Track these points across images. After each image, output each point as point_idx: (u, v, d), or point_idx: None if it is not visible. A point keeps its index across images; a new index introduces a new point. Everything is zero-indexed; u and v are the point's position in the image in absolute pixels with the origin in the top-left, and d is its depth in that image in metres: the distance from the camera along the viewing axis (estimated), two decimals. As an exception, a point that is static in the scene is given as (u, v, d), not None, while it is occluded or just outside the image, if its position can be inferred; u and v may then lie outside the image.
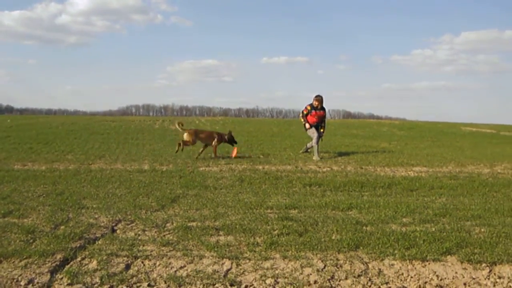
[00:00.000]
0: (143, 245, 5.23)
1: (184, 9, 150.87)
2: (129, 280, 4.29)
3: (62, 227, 5.85)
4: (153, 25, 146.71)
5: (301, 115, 14.40)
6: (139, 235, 5.64)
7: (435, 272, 4.74)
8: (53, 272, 4.43)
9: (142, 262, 4.73)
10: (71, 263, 4.66)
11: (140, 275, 4.41)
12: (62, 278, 4.31)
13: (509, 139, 26.81)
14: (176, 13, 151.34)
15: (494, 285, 4.52)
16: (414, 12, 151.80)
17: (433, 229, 6.12)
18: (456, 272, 4.77)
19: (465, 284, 4.52)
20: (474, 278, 4.65)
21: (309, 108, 14.21)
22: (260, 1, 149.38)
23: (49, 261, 4.67)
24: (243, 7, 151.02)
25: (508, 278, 4.68)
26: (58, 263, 4.64)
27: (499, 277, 4.69)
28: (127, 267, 4.61)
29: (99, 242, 5.30)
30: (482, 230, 6.18)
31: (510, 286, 4.52)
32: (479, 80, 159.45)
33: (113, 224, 6.08)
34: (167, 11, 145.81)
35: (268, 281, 4.38)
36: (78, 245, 5.16)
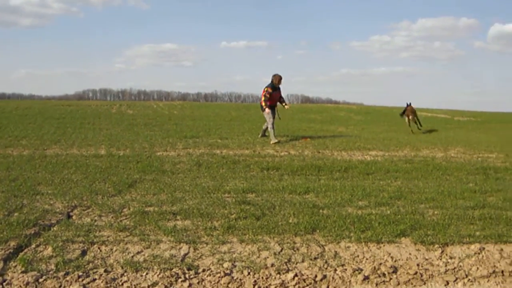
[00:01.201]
0: (100, 231, 5.18)
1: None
2: (85, 266, 4.24)
3: (16, 213, 5.72)
4: (111, 8, 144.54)
5: (263, 99, 14.00)
6: (95, 220, 5.58)
7: (389, 254, 4.84)
8: (6, 259, 4.35)
9: (99, 248, 4.69)
10: (25, 250, 4.58)
11: (96, 261, 4.37)
12: (16, 265, 4.24)
13: (462, 124, 27.43)
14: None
15: (446, 265, 4.64)
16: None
17: (388, 212, 6.24)
18: (410, 254, 4.88)
19: (418, 265, 4.62)
20: (427, 259, 4.76)
21: (270, 90, 13.99)
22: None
23: (2, 249, 4.57)
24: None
25: (459, 258, 4.81)
26: (11, 250, 4.55)
27: (451, 258, 4.82)
28: (83, 253, 4.55)
29: (55, 228, 5.22)
30: (435, 212, 6.34)
31: (461, 266, 4.65)
32: (435, 66, 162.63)
33: (69, 210, 5.99)
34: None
35: (225, 265, 4.40)
36: (33, 232, 5.07)
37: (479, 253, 4.96)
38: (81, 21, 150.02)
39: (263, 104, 13.98)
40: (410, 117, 20.75)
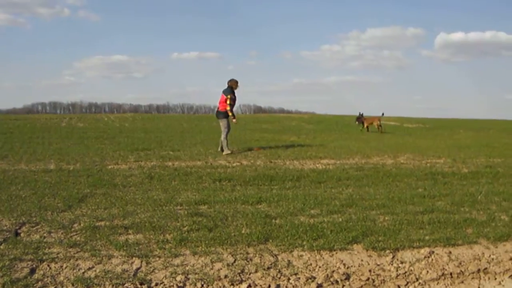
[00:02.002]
0: (49, 248, 5.05)
1: (92, 3, 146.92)
2: (34, 285, 4.12)
3: (-40, 232, 5.54)
4: (59, 19, 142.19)
5: (228, 108, 13.76)
6: (44, 237, 5.43)
7: (342, 261, 4.89)
8: None
9: (48, 265, 4.57)
10: (-30, 270, 4.42)
11: (46, 279, 4.25)
12: (-41, 287, 4.09)
13: (412, 131, 28.03)
14: (84, 7, 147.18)
15: (397, 270, 4.72)
16: (322, 8, 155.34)
17: (340, 219, 6.31)
18: (362, 260, 4.94)
19: (370, 270, 4.69)
20: (378, 265, 4.83)
21: (233, 97, 13.87)
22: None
23: None
24: (152, 3, 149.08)
25: (410, 262, 4.90)
26: (-46, 271, 4.39)
27: (401, 262, 4.91)
28: (32, 271, 4.43)
29: (1, 247, 5.06)
30: (386, 218, 6.45)
31: (411, 270, 4.74)
32: (384, 75, 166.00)
33: (17, 227, 5.81)
34: (75, 5, 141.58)
35: (178, 278, 4.35)
36: (-23, 251, 4.91)
37: (428, 257, 5.07)
38: (28, 33, 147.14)
39: (230, 113, 13.80)
40: (375, 123, 26.49)
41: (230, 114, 13.80)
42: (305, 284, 4.36)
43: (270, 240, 5.38)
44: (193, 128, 25.84)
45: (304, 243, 5.29)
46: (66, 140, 17.25)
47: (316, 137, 21.15)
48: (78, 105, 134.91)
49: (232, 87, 13.98)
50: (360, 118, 27.45)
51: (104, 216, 6.35)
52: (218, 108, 14.08)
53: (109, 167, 10.63)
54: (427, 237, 5.64)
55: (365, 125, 26.69)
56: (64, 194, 7.64)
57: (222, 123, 13.93)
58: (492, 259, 5.19)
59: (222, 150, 13.89)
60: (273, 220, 6.21)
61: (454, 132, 27.15)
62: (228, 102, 13.76)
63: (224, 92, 13.87)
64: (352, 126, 31.32)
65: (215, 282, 4.30)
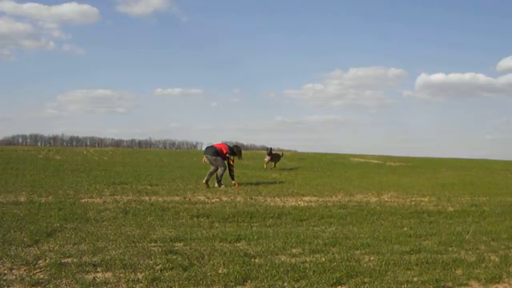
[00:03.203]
0: (9, 286, 4.65)
1: (78, 37, 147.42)
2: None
3: None
4: (44, 52, 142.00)
5: (230, 161, 14.76)
6: (5, 274, 5.04)
7: (325, 305, 4.54)
8: None
9: (5, 306, 4.18)
10: None
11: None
12: None
13: (394, 169, 27.84)
14: (70, 41, 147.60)
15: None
16: (306, 47, 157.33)
17: (323, 259, 5.99)
18: (346, 304, 4.59)
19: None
20: (364, 310, 4.49)
21: (232, 158, 14.78)
22: (154, 33, 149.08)
23: None
24: (137, 36, 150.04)
25: (398, 307, 4.56)
26: None
27: (390, 307, 4.57)
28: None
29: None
30: (372, 258, 6.15)
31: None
32: (367, 114, 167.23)
33: (-25, 263, 5.42)
34: (60, 38, 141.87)
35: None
36: None
37: (418, 301, 4.75)
38: (12, 65, 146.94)
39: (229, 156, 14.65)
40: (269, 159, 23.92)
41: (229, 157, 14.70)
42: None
43: (249, 281, 5.03)
44: (173, 162, 25.43)
45: (285, 284, 4.95)
46: (41, 172, 16.77)
47: (298, 174, 20.85)
48: (59, 138, 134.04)
49: (235, 152, 14.90)
50: (272, 154, 24.21)
51: (73, 252, 5.97)
52: (216, 148, 14.58)
53: (83, 200, 10.23)
54: (415, 279, 5.33)
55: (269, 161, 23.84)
56: (32, 228, 7.23)
57: (219, 162, 14.43)
58: (485, 303, 4.89)
59: (206, 182, 13.89)
60: (253, 259, 5.87)
61: (437, 171, 27.05)
62: (232, 162, 14.71)
63: (229, 148, 14.77)
64: (335, 163, 31.17)
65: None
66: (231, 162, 14.66)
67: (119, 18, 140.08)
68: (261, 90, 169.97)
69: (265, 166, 23.64)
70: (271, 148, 23.93)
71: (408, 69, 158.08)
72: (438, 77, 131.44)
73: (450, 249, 6.88)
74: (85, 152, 31.80)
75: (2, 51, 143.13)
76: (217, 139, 14.52)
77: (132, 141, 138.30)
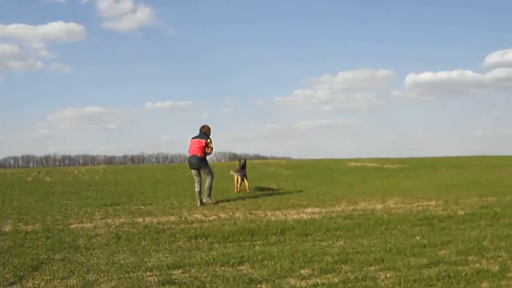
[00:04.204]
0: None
1: (65, 56, 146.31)
2: None
3: None
4: (32, 72, 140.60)
5: (212, 151, 13.59)
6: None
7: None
8: None
9: None
10: None
11: None
12: None
13: (393, 172, 27.41)
14: (57, 60, 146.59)
15: None
16: (294, 53, 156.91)
17: (336, 279, 5.46)
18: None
19: None
20: None
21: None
22: (141, 47, 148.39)
23: None
24: (125, 52, 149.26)
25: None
26: None
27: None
28: None
29: None
30: (388, 275, 5.62)
31: None
32: (357, 117, 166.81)
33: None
34: (47, 57, 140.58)
35: None
36: None
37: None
38: (0, 86, 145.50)
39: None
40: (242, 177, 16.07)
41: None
42: None
43: (257, 313, 4.48)
44: (167, 178, 24.83)
45: (298, 315, 4.40)
46: (29, 196, 16.17)
47: (296, 183, 20.36)
48: (52, 158, 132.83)
49: (206, 133, 13.53)
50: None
51: (60, 288, 5.39)
52: (195, 154, 13.32)
53: (72, 226, 9.65)
54: (440, 297, 4.79)
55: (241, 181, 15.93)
56: (16, 262, 6.64)
57: (205, 170, 13.42)
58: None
59: (202, 202, 13.03)
60: (258, 285, 5.37)
61: (437, 171, 26.64)
62: (211, 145, 13.37)
63: (201, 136, 13.40)
64: (332, 169, 30.68)
65: None
66: (212, 146, 13.41)
67: (106, 35, 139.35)
68: (251, 99, 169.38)
69: (237, 189, 15.89)
70: (245, 160, 16.59)
71: (397, 70, 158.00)
72: (426, 76, 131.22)
73: (470, 258, 6.34)
74: (76, 172, 31.14)
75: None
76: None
77: (125, 156, 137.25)
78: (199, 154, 13.30)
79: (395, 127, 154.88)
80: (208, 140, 13.34)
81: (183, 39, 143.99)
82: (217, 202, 13.14)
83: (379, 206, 11.53)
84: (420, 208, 11.06)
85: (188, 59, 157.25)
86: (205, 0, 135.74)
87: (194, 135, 13.60)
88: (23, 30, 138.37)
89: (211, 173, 13.51)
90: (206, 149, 13.33)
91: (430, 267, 5.89)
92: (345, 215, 10.13)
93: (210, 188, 13.36)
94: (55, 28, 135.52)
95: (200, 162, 13.39)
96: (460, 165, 31.76)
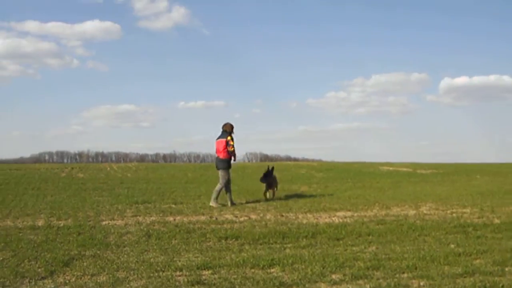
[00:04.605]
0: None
1: (101, 54, 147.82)
2: None
3: None
4: (68, 70, 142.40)
5: (233, 149, 13.21)
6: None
7: None
8: None
9: None
10: None
11: None
12: None
13: (426, 177, 26.95)
14: (93, 58, 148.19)
15: None
16: (327, 55, 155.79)
17: (368, 286, 5.36)
18: None
19: None
20: None
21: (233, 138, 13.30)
22: (175, 47, 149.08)
23: None
24: (159, 51, 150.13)
25: None
26: None
27: None
28: None
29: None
30: (422, 283, 5.49)
31: None
32: (390, 121, 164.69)
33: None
34: (84, 55, 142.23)
35: None
36: None
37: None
38: (38, 83, 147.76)
39: (234, 153, 13.32)
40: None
41: (234, 155, 13.31)
42: None
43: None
44: (198, 178, 24.81)
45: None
46: (62, 192, 16.40)
47: (328, 186, 20.18)
48: (85, 154, 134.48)
49: (227, 131, 13.41)
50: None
51: (90, 285, 5.45)
52: (218, 156, 13.37)
53: (104, 223, 9.73)
54: (477, 310, 4.64)
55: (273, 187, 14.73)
56: (48, 257, 6.71)
57: (223, 173, 13.20)
58: None
59: (232, 202, 13.10)
60: (288, 289, 5.22)
61: (471, 178, 26.05)
62: (232, 143, 13.17)
63: (222, 136, 13.33)
64: (364, 172, 30.34)
65: None
66: (233, 143, 13.17)
67: (141, 34, 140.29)
68: (283, 101, 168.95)
69: (264, 195, 14.61)
70: (268, 167, 14.89)
71: (431, 74, 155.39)
72: (462, 80, 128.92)
73: (507, 269, 6.11)
74: (108, 168, 31.45)
75: (27, 70, 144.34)
76: (240, 151, 13.51)
77: (157, 155, 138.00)
78: (221, 156, 13.24)
79: (428, 131, 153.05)
80: (229, 138, 13.20)
81: (217, 39, 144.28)
82: (223, 205, 12.82)
83: (412, 212, 11.32)
84: (454, 215, 10.81)
85: (222, 59, 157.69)
86: (240, 0, 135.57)
87: (218, 135, 13.53)
88: (61, 28, 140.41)
89: (224, 178, 13.15)
90: (227, 147, 13.16)
91: (465, 277, 5.72)
92: (377, 220, 9.97)
93: (217, 192, 13.05)
94: (91, 26, 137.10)
95: (219, 164, 13.35)
96: (496, 172, 31.07)
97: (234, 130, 13.56)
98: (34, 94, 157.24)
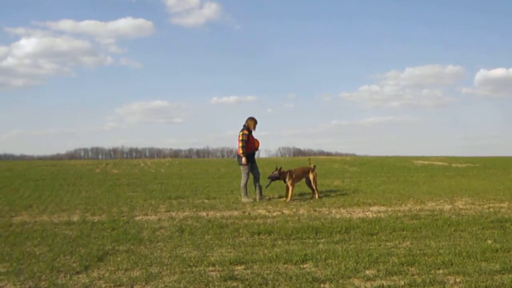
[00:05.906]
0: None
1: (134, 51, 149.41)
2: None
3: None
4: (102, 67, 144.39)
5: (241, 144, 12.55)
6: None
7: None
8: None
9: None
10: None
11: None
12: None
13: (462, 171, 26.55)
14: (126, 55, 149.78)
15: None
16: (359, 49, 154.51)
17: (402, 282, 5.25)
18: None
19: None
20: None
21: (247, 133, 12.67)
22: (207, 42, 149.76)
23: None
24: (191, 47, 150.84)
25: None
26: None
27: None
28: None
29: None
30: (458, 280, 5.36)
31: None
32: (424, 114, 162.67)
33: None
34: (117, 53, 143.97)
35: None
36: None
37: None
38: (73, 81, 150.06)
39: (241, 151, 12.59)
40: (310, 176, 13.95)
41: (241, 153, 12.66)
42: None
43: (320, 314, 4.35)
44: (231, 173, 24.84)
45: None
46: (97, 188, 16.64)
47: (361, 181, 19.99)
48: (119, 151, 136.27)
49: (246, 125, 12.87)
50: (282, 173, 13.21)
51: (124, 280, 5.49)
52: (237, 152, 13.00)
53: (137, 218, 9.82)
54: (515, 308, 4.52)
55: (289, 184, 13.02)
56: (83, 252, 6.82)
57: (242, 168, 12.88)
58: None
59: (260, 194, 12.95)
60: (322, 285, 5.23)
61: (508, 171, 25.53)
62: (241, 138, 12.66)
63: (241, 130, 12.82)
64: (398, 167, 30.05)
65: None
66: (244, 139, 12.57)
67: (173, 30, 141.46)
68: (316, 95, 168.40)
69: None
70: (276, 168, 13.33)
71: (466, 66, 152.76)
72: (499, 72, 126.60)
73: (547, 266, 5.99)
74: (142, 164, 31.79)
75: (63, 68, 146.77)
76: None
77: (190, 150, 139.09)
78: (238, 151, 12.84)
79: (464, 124, 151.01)
80: (240, 133, 12.72)
81: (249, 35, 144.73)
82: (254, 200, 12.69)
83: (447, 207, 11.12)
84: (491, 210, 10.58)
85: (254, 54, 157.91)
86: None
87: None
88: (94, 26, 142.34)
89: (243, 173, 12.85)
90: (242, 140, 12.65)
91: (503, 274, 5.59)
92: (412, 215, 9.81)
93: (243, 188, 12.76)
94: (124, 24, 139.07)
95: (238, 160, 13.00)
96: (534, 165, 30.46)
97: (257, 125, 13.01)
98: (69, 91, 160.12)
